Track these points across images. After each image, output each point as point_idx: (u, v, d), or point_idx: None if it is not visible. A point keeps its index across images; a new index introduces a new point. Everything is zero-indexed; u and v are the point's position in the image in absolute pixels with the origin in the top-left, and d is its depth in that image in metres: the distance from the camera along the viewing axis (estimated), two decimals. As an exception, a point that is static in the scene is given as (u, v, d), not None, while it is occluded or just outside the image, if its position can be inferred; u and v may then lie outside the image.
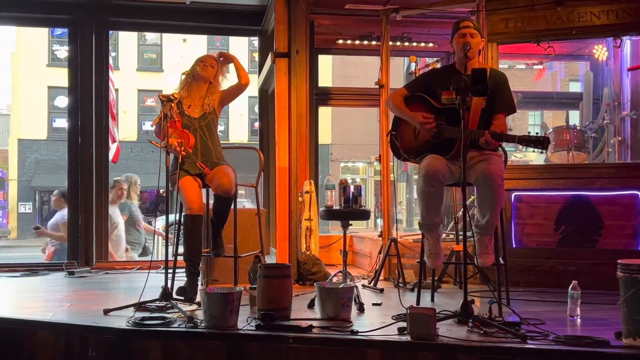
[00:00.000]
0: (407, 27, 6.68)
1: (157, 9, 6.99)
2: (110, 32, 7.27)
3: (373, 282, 4.96)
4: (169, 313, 3.66)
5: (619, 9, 4.91)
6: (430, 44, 7.20)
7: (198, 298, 3.96)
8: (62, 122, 23.98)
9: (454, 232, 5.22)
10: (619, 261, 3.02)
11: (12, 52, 26.41)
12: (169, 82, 21.68)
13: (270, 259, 5.63)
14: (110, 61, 7.30)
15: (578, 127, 6.52)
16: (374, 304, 4.10)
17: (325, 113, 20.26)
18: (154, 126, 4.26)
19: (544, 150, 3.65)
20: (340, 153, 26.88)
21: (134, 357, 3.27)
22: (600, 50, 7.15)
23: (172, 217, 5.78)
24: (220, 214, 4.50)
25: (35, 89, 25.02)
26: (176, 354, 3.22)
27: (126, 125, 24.94)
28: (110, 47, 7.26)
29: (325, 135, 23.00)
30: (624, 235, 4.76)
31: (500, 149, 3.95)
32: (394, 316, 3.47)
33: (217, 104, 4.61)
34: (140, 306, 3.74)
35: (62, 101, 23.84)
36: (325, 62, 20.20)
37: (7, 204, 24.62)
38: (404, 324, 3.13)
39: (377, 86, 5.72)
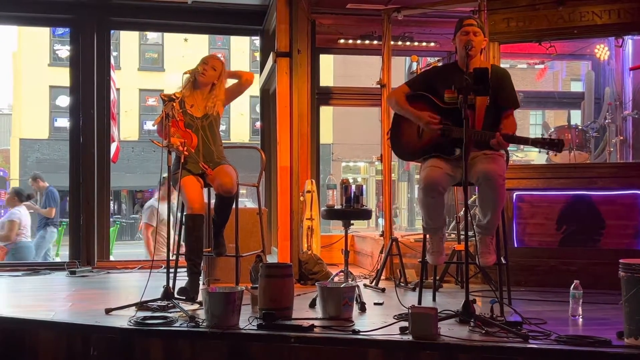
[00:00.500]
0: (409, 27, 6.68)
1: (159, 8, 6.99)
2: (112, 31, 7.28)
3: (374, 281, 4.96)
4: (170, 312, 3.66)
5: (620, 9, 4.90)
6: (432, 44, 7.19)
7: (200, 297, 3.96)
8: (64, 122, 24.00)
9: (456, 232, 5.22)
10: (620, 261, 3.01)
11: (14, 52, 26.44)
12: (170, 81, 21.74)
13: (271, 259, 5.63)
14: (112, 61, 7.31)
15: (580, 127, 6.52)
16: (375, 304, 4.10)
17: (326, 112, 20.25)
18: (156, 125, 4.26)
19: (557, 153, 3.62)
20: (342, 153, 26.88)
21: (135, 356, 3.27)
22: (601, 50, 7.15)
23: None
24: (222, 213, 4.50)
25: (36, 88, 25.04)
26: (178, 354, 3.22)
27: (127, 125, 24.96)
28: (111, 47, 7.26)
29: (326, 135, 23.00)
30: (625, 235, 4.75)
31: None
32: (395, 316, 3.47)
33: (221, 107, 4.59)
34: (142, 305, 3.75)
35: (64, 101, 23.85)
36: (326, 61, 20.20)
37: (9, 204, 24.59)
38: (405, 324, 3.12)
39: (379, 86, 5.72)
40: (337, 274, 4.75)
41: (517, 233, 4.99)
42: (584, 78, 7.94)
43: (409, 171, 20.42)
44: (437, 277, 4.54)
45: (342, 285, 3.68)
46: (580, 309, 3.57)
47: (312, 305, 3.95)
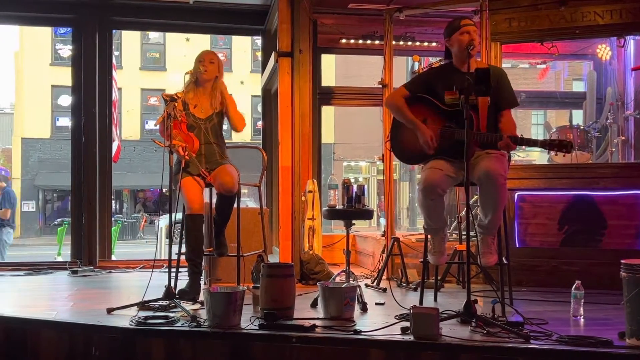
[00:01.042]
0: (411, 27, 6.68)
1: (161, 8, 7.00)
2: (114, 31, 7.28)
3: (376, 281, 4.96)
4: (172, 312, 3.67)
5: (622, 9, 4.89)
6: (434, 44, 7.18)
7: (201, 297, 3.96)
8: (65, 121, 24.05)
9: (457, 232, 5.22)
10: (622, 261, 3.01)
11: (16, 51, 26.47)
12: (172, 81, 21.75)
13: (273, 259, 5.64)
14: (114, 60, 7.31)
15: (581, 127, 6.52)
16: (377, 304, 4.10)
17: (328, 112, 20.26)
18: (158, 125, 4.26)
19: (566, 154, 3.61)
20: (343, 152, 26.90)
21: (137, 356, 3.28)
22: (603, 50, 7.14)
23: (175, 216, 5.78)
24: (223, 212, 4.51)
25: (38, 87, 25.08)
26: (179, 353, 3.23)
27: (129, 124, 24.99)
28: (113, 46, 7.27)
29: (328, 135, 23.01)
30: (627, 235, 4.75)
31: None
32: (397, 316, 3.47)
33: (226, 96, 4.57)
34: (143, 305, 3.75)
35: (65, 100, 23.90)
36: (328, 61, 20.18)
37: (11, 203, 24.62)
38: (407, 324, 3.13)
39: (380, 85, 5.72)
40: (338, 274, 4.75)
41: (519, 233, 4.99)
42: (586, 78, 7.94)
43: (414, 170, 20.38)
44: (439, 277, 4.54)
45: (343, 285, 3.68)
46: (581, 309, 3.57)
47: (314, 305, 3.95)
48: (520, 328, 3.13)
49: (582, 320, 3.54)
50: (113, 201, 8.41)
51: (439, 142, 3.79)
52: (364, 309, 3.86)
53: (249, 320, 3.35)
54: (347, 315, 3.53)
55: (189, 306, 3.82)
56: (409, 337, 3.02)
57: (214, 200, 4.66)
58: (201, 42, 23.89)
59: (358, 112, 21.74)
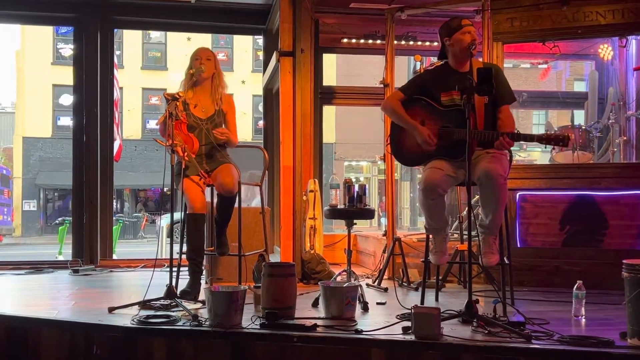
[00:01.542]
0: (412, 26, 6.68)
1: (162, 7, 7.00)
2: (115, 30, 7.28)
3: (377, 281, 4.96)
4: (173, 311, 3.66)
5: (624, 9, 4.89)
6: (435, 43, 7.16)
7: (202, 296, 3.96)
8: (67, 120, 24.08)
9: (459, 232, 5.22)
10: (624, 261, 3.01)
11: (17, 50, 26.50)
12: (173, 80, 21.74)
13: (274, 258, 5.64)
14: (115, 59, 7.31)
15: (583, 127, 6.51)
16: (378, 303, 4.10)
17: (329, 112, 20.27)
18: (159, 125, 4.25)
19: (563, 149, 3.61)
20: (344, 152, 26.91)
21: (138, 355, 3.28)
22: (605, 50, 7.14)
23: (177, 215, 5.78)
24: (224, 212, 4.50)
25: (39, 86, 25.11)
26: (180, 352, 3.22)
27: (130, 124, 25.01)
28: (114, 46, 7.27)
29: (329, 134, 23.02)
30: (629, 235, 4.75)
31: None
32: (398, 315, 3.47)
33: (231, 103, 4.58)
34: (144, 304, 3.75)
35: (67, 99, 23.92)
36: (329, 60, 20.19)
37: (12, 202, 24.71)
38: (408, 324, 3.12)
39: (382, 85, 5.72)
40: (339, 274, 4.75)
41: (520, 233, 4.98)
42: (588, 78, 7.93)
43: (414, 170, 20.38)
44: (440, 277, 4.54)
45: (344, 285, 3.68)
46: (583, 309, 3.57)
47: (315, 304, 3.95)
48: (522, 328, 3.13)
49: (583, 320, 3.53)
50: (114, 200, 8.41)
51: (438, 143, 3.79)
52: (365, 308, 3.86)
53: (250, 320, 3.34)
54: (349, 315, 3.53)
55: (190, 305, 3.82)
56: (411, 337, 3.02)
57: (215, 199, 4.66)
58: (202, 41, 23.84)
59: (359, 112, 21.76)
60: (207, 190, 4.56)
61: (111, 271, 6.10)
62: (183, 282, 4.19)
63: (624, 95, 6.91)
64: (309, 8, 5.43)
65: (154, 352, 3.25)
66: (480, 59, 4.86)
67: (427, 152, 3.85)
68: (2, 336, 3.59)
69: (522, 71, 20.97)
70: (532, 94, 9.06)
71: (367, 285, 4.88)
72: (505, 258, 3.82)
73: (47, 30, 24.70)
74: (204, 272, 4.89)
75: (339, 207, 4.43)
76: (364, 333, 3.12)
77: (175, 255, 4.19)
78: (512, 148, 3.77)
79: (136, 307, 3.72)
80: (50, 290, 5.06)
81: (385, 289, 4.69)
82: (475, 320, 3.19)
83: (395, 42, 5.77)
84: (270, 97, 7.22)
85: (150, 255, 7.19)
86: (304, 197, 5.37)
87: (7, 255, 12.37)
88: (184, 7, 6.92)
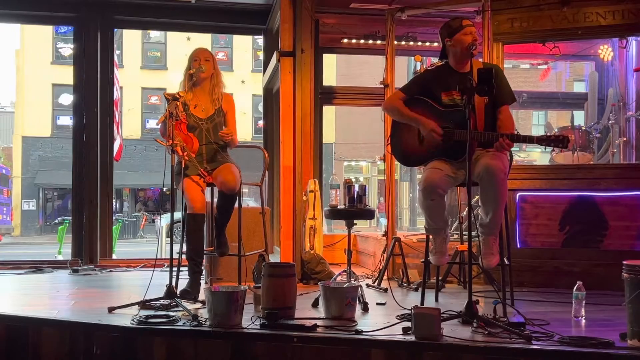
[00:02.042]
0: (412, 27, 6.68)
1: (162, 7, 7.00)
2: (115, 30, 7.28)
3: (377, 281, 4.96)
4: (173, 311, 3.66)
5: (624, 10, 4.89)
6: (436, 44, 7.18)
7: (202, 296, 3.96)
8: (66, 120, 24.08)
9: (459, 232, 5.22)
10: (624, 262, 3.01)
11: (17, 49, 26.48)
12: (173, 80, 21.73)
13: (274, 258, 5.64)
14: (115, 59, 7.31)
15: (583, 128, 6.51)
16: (378, 304, 4.10)
17: (328, 112, 20.26)
18: (160, 125, 4.25)
19: (563, 149, 3.61)
20: (344, 152, 26.91)
21: (138, 355, 3.28)
22: (605, 51, 7.14)
23: (177, 215, 5.78)
24: (224, 211, 4.50)
25: (39, 86, 25.10)
26: (180, 352, 3.22)
27: (130, 123, 24.99)
28: (114, 45, 7.27)
29: (329, 134, 23.02)
30: (629, 236, 4.74)
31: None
32: (398, 316, 3.47)
33: (231, 102, 4.58)
34: (144, 304, 3.74)
35: (66, 99, 23.92)
36: (329, 61, 20.20)
37: (11, 201, 24.71)
38: (408, 324, 3.13)
39: (382, 85, 5.72)
40: (339, 274, 4.75)
41: (520, 234, 4.98)
42: (588, 79, 7.94)
43: (414, 170, 20.38)
44: (440, 278, 4.54)
45: (344, 285, 3.68)
46: (583, 310, 3.57)
47: (315, 304, 3.95)
48: (522, 329, 3.13)
49: (583, 321, 3.53)
50: (114, 200, 8.40)
51: (438, 143, 3.79)
52: (365, 309, 3.86)
53: (250, 320, 3.34)
54: (349, 315, 3.53)
55: (190, 305, 3.82)
56: (410, 338, 3.02)
57: (215, 199, 4.66)
58: (202, 41, 23.89)
59: (359, 112, 21.78)
60: (207, 190, 4.55)
61: (111, 271, 6.09)
62: (183, 282, 4.20)
63: (624, 96, 6.91)
64: (309, 8, 5.43)
65: (154, 352, 3.25)
66: (481, 60, 4.87)
67: (428, 152, 3.86)
68: (2, 336, 3.59)
69: (522, 72, 20.99)
70: (532, 95, 9.07)
71: (367, 285, 4.87)
72: (505, 259, 3.82)
73: (47, 30, 24.69)
74: (204, 272, 4.89)
75: (339, 207, 4.43)
76: (364, 333, 3.12)
77: (175, 255, 4.19)
78: (511, 148, 3.78)
79: (136, 307, 3.72)
80: (50, 289, 5.06)
81: (385, 290, 4.69)
82: (475, 320, 3.19)
83: (396, 42, 5.77)
84: (270, 97, 7.22)
85: (150, 255, 7.19)
86: (304, 197, 5.37)
87: (6, 255, 12.37)
88: (184, 7, 6.91)
